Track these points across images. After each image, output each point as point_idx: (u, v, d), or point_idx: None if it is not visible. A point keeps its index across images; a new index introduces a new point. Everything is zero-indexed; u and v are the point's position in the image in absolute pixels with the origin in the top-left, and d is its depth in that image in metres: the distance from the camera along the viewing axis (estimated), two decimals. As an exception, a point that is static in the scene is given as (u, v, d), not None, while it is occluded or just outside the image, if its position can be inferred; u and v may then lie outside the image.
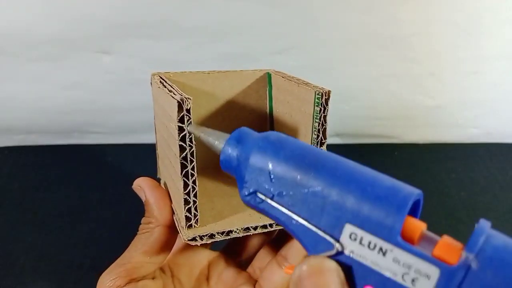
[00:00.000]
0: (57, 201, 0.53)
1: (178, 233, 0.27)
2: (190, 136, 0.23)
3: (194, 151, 0.24)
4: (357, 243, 0.16)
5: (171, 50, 0.55)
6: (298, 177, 0.18)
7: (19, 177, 0.57)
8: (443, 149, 0.69)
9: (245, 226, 0.26)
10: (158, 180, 0.34)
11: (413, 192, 0.16)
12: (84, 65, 0.55)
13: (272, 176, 0.18)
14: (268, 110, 0.35)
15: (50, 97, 0.58)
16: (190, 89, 0.32)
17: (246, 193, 0.19)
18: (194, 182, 0.24)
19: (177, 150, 0.23)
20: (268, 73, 0.34)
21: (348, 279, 0.16)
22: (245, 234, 0.26)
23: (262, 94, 0.34)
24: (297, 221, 0.18)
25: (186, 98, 0.22)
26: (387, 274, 0.15)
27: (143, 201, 0.28)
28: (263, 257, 0.32)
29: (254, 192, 0.19)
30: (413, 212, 0.17)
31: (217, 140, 0.21)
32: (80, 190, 0.55)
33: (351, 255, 0.16)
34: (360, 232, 0.16)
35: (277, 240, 0.32)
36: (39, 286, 0.42)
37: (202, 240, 0.25)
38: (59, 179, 0.57)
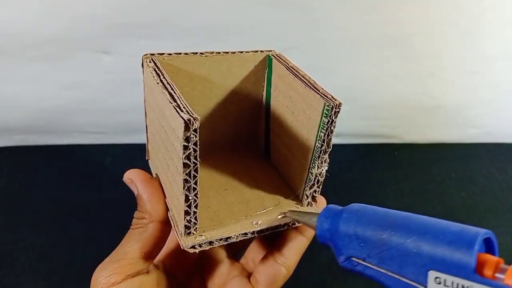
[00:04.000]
0: (57, 201, 0.53)
1: (172, 227, 0.27)
2: (196, 154, 0.23)
3: (198, 167, 0.23)
4: (442, 286, 0.18)
5: (171, 50, 0.54)
6: (381, 237, 0.20)
7: (19, 177, 0.57)
8: (443, 149, 0.69)
9: (243, 232, 0.26)
10: (147, 162, 0.34)
11: (479, 232, 0.18)
12: (84, 65, 0.55)
13: (360, 241, 0.21)
14: (265, 93, 0.34)
15: (50, 97, 0.58)
16: (185, 73, 0.31)
17: (343, 259, 0.22)
18: (195, 195, 0.24)
19: (180, 166, 0.23)
20: (268, 55, 0.33)
21: None
22: (242, 239, 0.27)
23: (260, 76, 0.33)
24: (388, 275, 0.20)
25: (194, 118, 0.21)
26: None
27: (135, 194, 0.28)
28: (255, 249, 0.33)
29: (349, 257, 0.22)
30: (490, 250, 0.19)
31: (311, 220, 0.25)
32: (80, 190, 0.55)
33: None
34: (442, 276, 0.18)
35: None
36: (39, 286, 0.42)
37: (201, 248, 0.25)
38: (59, 179, 0.57)
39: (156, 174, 0.31)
